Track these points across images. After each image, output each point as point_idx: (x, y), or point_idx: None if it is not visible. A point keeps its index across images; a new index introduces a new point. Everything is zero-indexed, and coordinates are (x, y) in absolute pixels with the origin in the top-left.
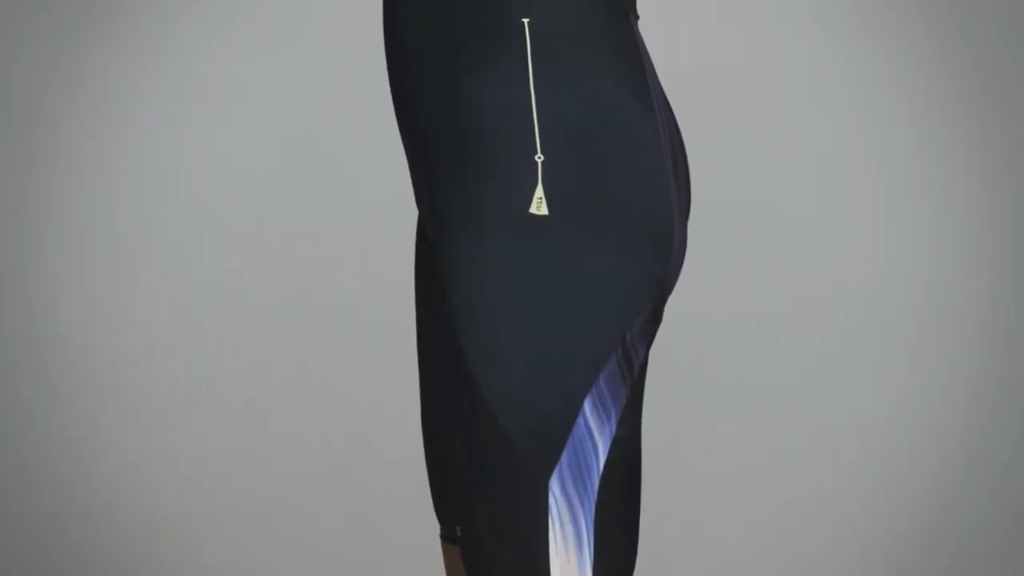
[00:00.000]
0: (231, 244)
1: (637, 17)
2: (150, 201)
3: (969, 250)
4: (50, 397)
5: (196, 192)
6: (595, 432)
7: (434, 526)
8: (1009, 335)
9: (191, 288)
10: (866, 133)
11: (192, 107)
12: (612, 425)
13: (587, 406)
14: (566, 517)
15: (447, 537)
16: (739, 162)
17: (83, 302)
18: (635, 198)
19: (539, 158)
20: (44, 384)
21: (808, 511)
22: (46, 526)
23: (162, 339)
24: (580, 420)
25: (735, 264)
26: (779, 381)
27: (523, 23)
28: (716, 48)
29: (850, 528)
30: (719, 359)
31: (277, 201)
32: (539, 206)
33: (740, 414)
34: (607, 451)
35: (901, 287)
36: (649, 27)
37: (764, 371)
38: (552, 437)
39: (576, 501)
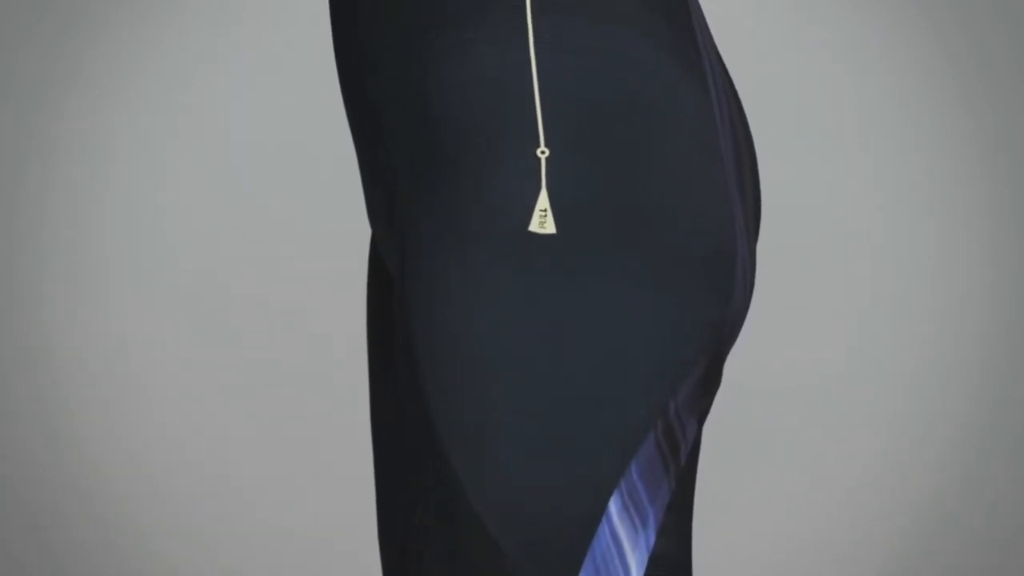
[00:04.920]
0: (212, 252)
1: None
2: (147, 204)
3: (970, 251)
4: (41, 398)
5: (194, 194)
6: (625, 545)
7: None
8: (1011, 336)
9: (187, 290)
10: (865, 134)
11: (186, 108)
12: (649, 535)
13: (614, 508)
14: None
15: None
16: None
17: (73, 305)
18: (681, 209)
19: (542, 152)
20: (37, 386)
21: (808, 512)
22: (35, 528)
23: (157, 345)
24: (603, 528)
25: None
26: (779, 383)
27: None
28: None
29: (852, 531)
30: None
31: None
32: (543, 221)
33: (738, 415)
34: (642, 572)
35: (902, 288)
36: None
37: (762, 372)
38: (563, 553)
39: None
